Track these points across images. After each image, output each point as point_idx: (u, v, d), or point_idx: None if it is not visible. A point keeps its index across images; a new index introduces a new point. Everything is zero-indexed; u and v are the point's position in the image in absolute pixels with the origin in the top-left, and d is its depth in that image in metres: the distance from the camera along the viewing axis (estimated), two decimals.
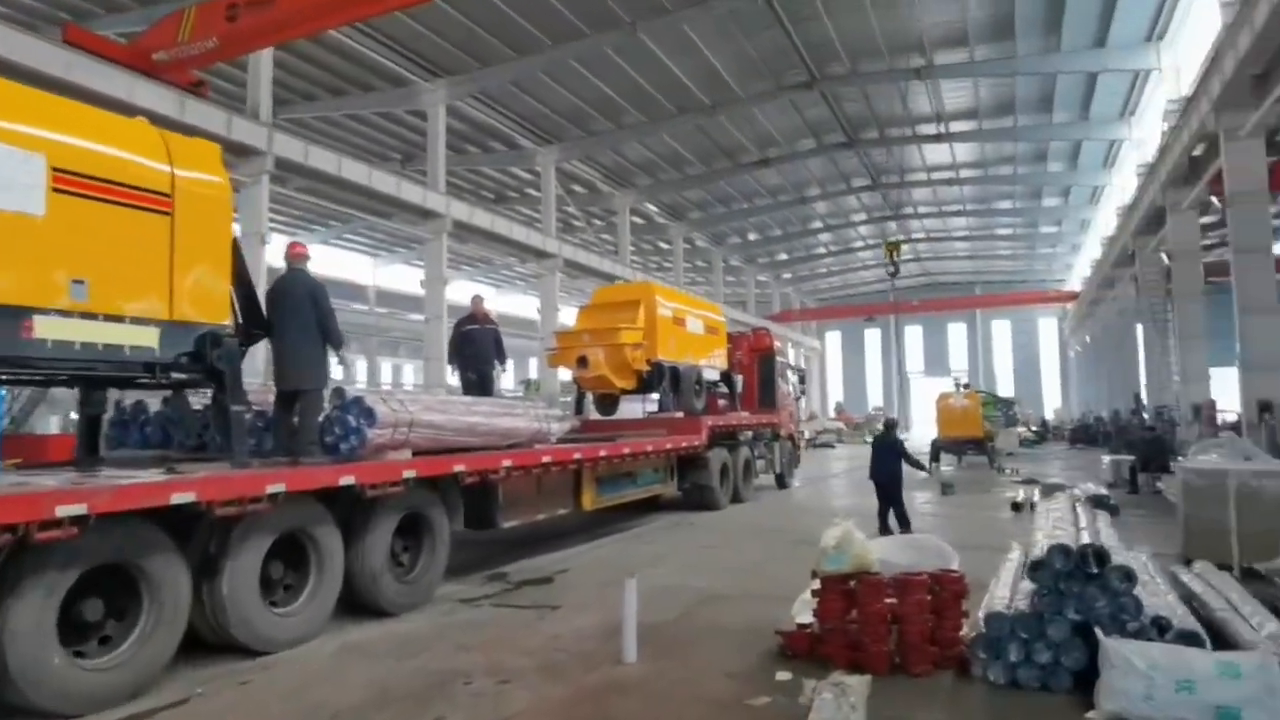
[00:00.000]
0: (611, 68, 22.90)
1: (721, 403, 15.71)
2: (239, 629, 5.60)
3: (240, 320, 6.68)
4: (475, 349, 11.40)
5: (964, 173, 35.03)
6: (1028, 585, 5.28)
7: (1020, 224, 42.86)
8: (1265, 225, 18.37)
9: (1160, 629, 4.75)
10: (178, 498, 5.03)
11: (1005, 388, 49.74)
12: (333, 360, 6.93)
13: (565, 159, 28.68)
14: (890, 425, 12.13)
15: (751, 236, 41.91)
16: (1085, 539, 5.66)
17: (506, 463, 7.85)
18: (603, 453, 9.71)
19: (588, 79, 23.62)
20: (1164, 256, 26.24)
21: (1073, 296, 44.78)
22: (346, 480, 6.19)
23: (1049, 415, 48.31)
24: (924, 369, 58.95)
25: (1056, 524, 6.51)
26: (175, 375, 6.17)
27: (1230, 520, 7.93)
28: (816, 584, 5.50)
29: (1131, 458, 17.21)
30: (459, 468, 7.26)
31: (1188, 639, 4.64)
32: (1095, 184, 35.42)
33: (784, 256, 46.85)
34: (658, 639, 5.91)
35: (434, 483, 7.26)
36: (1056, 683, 4.74)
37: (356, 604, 6.76)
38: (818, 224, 41.14)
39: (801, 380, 19.16)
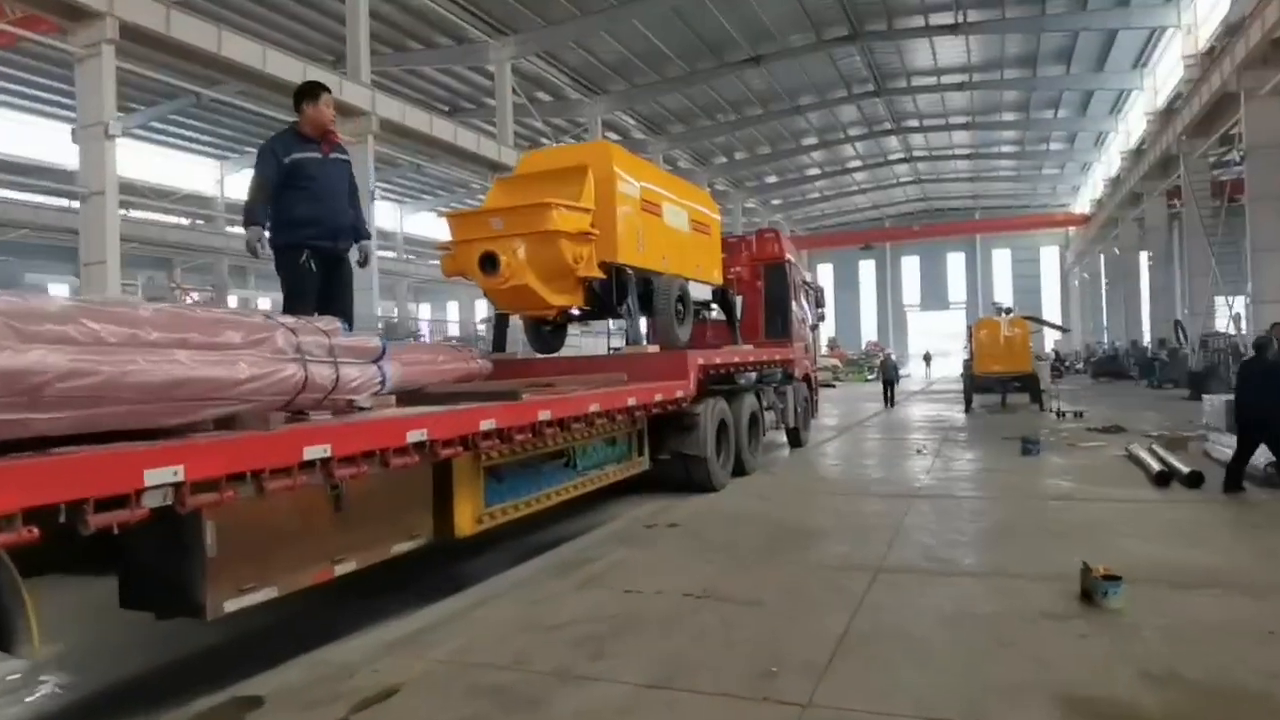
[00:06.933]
0: None
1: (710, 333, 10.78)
2: None
3: None
4: (313, 199, 5.21)
5: (976, 76, 29.54)
6: None
7: (1030, 138, 37.51)
8: None
9: None
10: None
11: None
12: None
13: (523, 54, 23.05)
14: (1262, 346, 7.79)
15: (739, 155, 36.35)
16: None
17: (163, 473, 2.79)
18: (484, 425, 4.43)
19: None
20: (1237, 155, 21.14)
21: (1085, 219, 39.62)
22: None
23: (1048, 347, 43.54)
24: (919, 302, 53.89)
25: None
26: None
27: None
28: None
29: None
30: None
31: None
32: (1122, 87, 30.04)
33: (773, 179, 41.26)
34: None
35: None
36: None
37: None
38: (811, 139, 35.58)
39: (819, 303, 13.89)
